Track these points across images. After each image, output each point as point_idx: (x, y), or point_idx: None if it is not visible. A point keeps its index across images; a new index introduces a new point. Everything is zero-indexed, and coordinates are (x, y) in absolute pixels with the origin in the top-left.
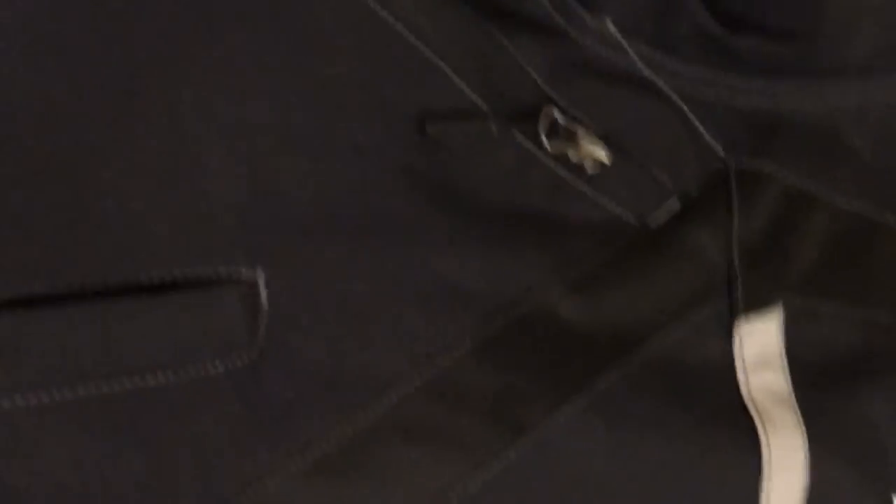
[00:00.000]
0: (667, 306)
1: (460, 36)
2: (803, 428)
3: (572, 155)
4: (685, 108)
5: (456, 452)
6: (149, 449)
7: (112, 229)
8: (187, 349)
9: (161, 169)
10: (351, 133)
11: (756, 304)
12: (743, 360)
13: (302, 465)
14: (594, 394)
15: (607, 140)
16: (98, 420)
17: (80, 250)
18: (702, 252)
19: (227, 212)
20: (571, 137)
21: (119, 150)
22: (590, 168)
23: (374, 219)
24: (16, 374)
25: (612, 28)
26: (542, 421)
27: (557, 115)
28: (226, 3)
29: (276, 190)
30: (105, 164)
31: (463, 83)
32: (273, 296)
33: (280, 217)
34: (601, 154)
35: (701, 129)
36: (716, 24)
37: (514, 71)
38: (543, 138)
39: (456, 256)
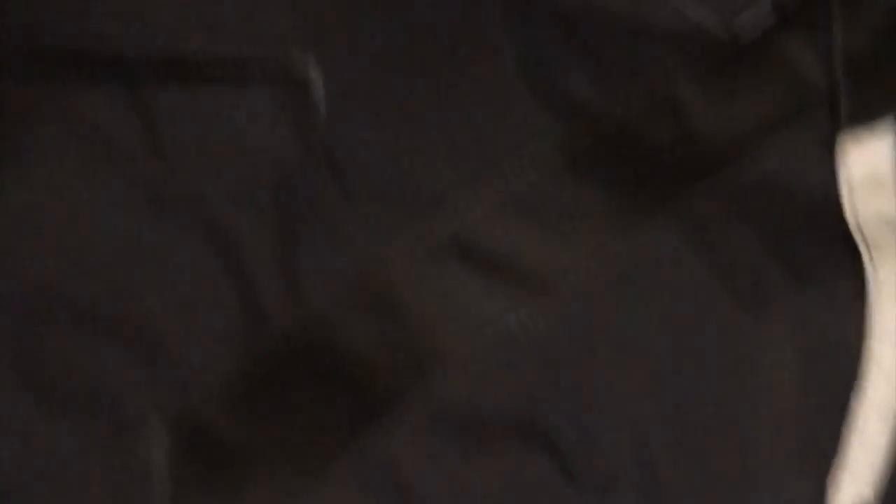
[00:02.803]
0: (759, 126)
1: None
2: None
3: None
4: None
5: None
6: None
7: None
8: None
9: None
10: None
11: (862, 119)
12: (849, 183)
13: None
14: (692, 216)
15: None
16: None
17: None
18: (798, 67)
19: None
20: None
21: None
22: None
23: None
24: None
25: None
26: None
27: None
28: None
29: None
30: None
31: None
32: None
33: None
34: None
35: None
36: None
37: None
38: None
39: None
